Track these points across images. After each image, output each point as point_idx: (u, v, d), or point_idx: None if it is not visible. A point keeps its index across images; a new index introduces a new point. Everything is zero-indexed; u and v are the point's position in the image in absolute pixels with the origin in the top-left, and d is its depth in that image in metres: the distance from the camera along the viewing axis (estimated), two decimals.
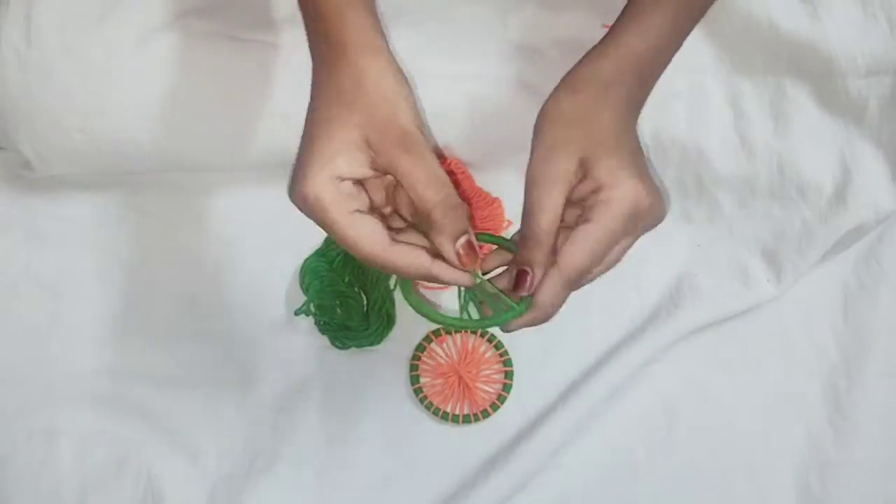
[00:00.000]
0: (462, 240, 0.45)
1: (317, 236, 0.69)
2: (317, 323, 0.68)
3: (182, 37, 0.64)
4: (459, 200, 0.45)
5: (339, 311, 0.68)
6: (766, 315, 0.68)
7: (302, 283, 0.69)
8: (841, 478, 0.65)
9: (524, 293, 0.47)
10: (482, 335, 0.68)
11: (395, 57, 0.48)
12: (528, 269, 0.47)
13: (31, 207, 0.71)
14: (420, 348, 0.68)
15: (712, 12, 0.58)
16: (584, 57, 0.52)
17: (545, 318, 0.50)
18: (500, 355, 0.68)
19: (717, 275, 0.68)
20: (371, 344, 0.68)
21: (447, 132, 0.66)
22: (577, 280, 0.48)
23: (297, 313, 0.68)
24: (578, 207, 0.49)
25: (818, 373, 0.67)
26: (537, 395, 0.67)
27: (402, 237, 0.47)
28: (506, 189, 0.70)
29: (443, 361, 0.68)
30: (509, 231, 0.70)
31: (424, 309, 0.50)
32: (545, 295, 0.47)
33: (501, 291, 0.48)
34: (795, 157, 0.67)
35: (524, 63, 0.66)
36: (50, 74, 0.63)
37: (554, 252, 0.47)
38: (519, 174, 0.69)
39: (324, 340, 0.69)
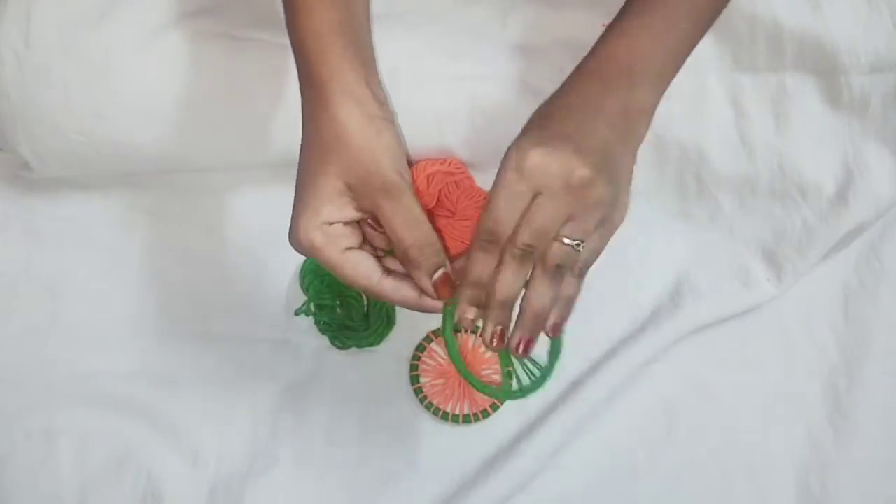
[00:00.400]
0: (437, 275, 0.48)
1: None
2: (317, 323, 0.68)
3: (182, 37, 0.64)
4: (434, 238, 0.48)
5: (339, 311, 0.68)
6: (766, 315, 0.68)
7: (302, 284, 0.69)
8: (841, 478, 0.65)
9: (502, 346, 0.50)
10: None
11: (380, 86, 0.50)
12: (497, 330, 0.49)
13: (31, 207, 0.71)
14: (420, 348, 0.68)
15: None
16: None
17: (493, 290, 0.49)
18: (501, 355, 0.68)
19: (717, 275, 0.68)
20: (371, 344, 0.68)
21: (447, 132, 0.66)
22: (495, 241, 0.47)
23: (297, 313, 0.68)
24: None
25: (818, 373, 0.67)
26: (537, 396, 0.67)
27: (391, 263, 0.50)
28: None
29: (443, 361, 0.68)
30: None
31: (471, 378, 0.54)
32: (472, 262, 0.48)
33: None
34: (796, 156, 0.67)
35: (524, 63, 0.66)
36: (49, 75, 0.63)
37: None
38: None
39: (324, 340, 0.69)
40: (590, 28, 0.66)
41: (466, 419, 0.66)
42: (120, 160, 0.66)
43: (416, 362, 0.67)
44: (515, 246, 0.47)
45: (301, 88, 0.51)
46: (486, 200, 0.48)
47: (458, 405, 0.67)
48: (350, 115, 0.47)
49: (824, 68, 0.66)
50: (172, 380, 0.67)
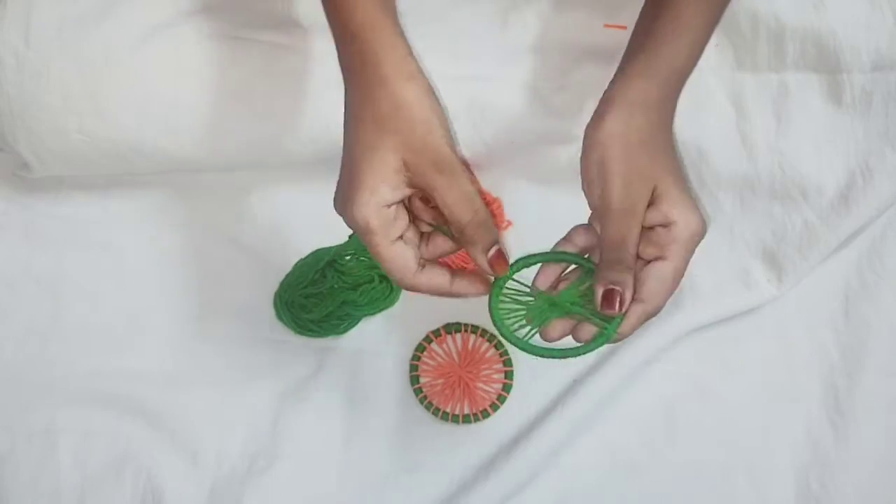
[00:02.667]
0: (492, 251, 0.48)
1: (317, 236, 0.69)
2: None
3: (182, 37, 0.64)
4: (488, 215, 0.48)
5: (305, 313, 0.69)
6: (766, 314, 0.68)
7: (277, 314, 0.69)
8: (841, 478, 0.65)
9: (615, 313, 0.49)
10: (482, 335, 0.68)
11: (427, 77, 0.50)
12: (618, 289, 0.49)
13: (31, 207, 0.71)
14: (420, 348, 0.68)
15: None
16: (622, 73, 0.52)
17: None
18: (501, 355, 0.68)
19: (718, 275, 0.68)
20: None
21: None
22: (655, 314, 0.50)
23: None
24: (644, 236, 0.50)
25: (818, 373, 0.67)
26: (537, 395, 0.67)
27: (428, 247, 0.50)
28: (506, 189, 0.70)
29: (443, 361, 0.68)
30: (509, 231, 0.70)
31: (513, 339, 0.52)
32: (628, 327, 0.50)
33: (595, 314, 0.50)
34: (797, 156, 0.67)
35: (524, 64, 0.66)
36: (49, 75, 0.62)
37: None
38: (519, 174, 0.70)
39: (324, 340, 0.69)
40: (590, 29, 0.66)
41: (466, 419, 0.66)
42: (120, 160, 0.66)
43: (416, 362, 0.67)
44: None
45: (347, 70, 0.50)
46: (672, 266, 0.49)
47: (458, 405, 0.67)
48: (408, 88, 0.47)
49: (826, 67, 0.66)
50: (172, 380, 0.67)
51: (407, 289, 0.49)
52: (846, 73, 0.65)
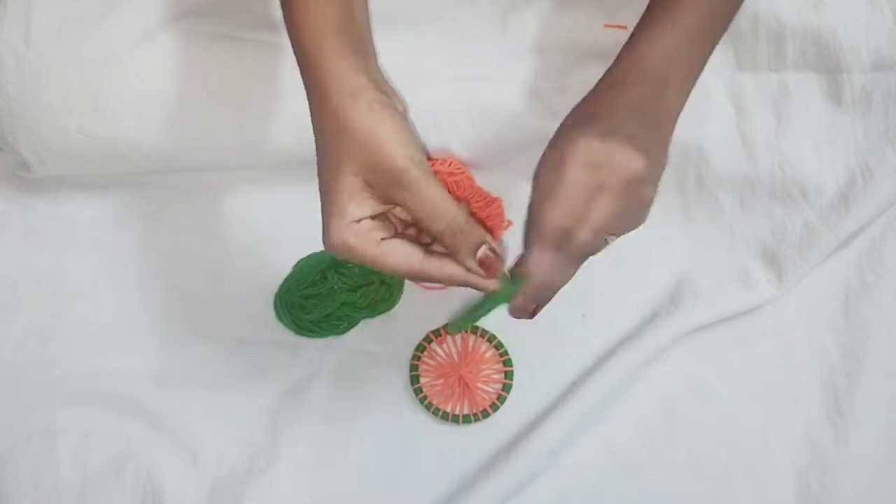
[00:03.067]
0: (479, 253, 0.47)
1: (315, 236, 0.68)
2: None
3: (181, 37, 0.64)
4: (463, 218, 0.47)
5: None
6: (766, 314, 0.68)
7: (277, 315, 0.69)
8: (841, 478, 0.65)
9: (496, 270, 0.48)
10: (482, 335, 0.68)
11: (381, 74, 0.50)
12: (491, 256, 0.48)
13: (31, 207, 0.71)
14: (420, 348, 0.68)
15: None
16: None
17: (547, 289, 0.50)
18: (501, 355, 0.68)
19: (717, 275, 0.68)
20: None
21: (447, 132, 0.66)
22: (563, 239, 0.48)
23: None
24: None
25: (818, 373, 0.67)
26: (537, 395, 0.67)
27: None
28: (506, 189, 0.69)
29: (443, 361, 0.68)
30: (510, 231, 0.70)
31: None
32: (532, 262, 0.48)
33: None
34: (797, 156, 0.67)
35: (524, 64, 0.66)
36: (48, 75, 0.62)
37: None
38: (519, 175, 0.69)
39: (324, 340, 0.69)
40: (590, 29, 0.66)
41: (466, 419, 0.66)
42: (119, 159, 0.66)
43: (416, 362, 0.67)
44: (578, 247, 0.47)
45: (306, 92, 0.50)
46: (548, 192, 0.47)
47: (458, 405, 0.67)
48: (349, 106, 0.47)
49: (826, 67, 0.66)
50: (172, 380, 0.67)
51: (416, 279, 0.48)
52: (846, 73, 0.65)
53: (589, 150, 0.47)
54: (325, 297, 0.67)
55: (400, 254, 0.47)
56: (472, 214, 0.48)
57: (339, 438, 0.66)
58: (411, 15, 0.66)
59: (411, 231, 0.51)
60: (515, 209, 0.70)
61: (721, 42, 0.66)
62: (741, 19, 0.66)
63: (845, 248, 0.68)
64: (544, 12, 0.67)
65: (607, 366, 0.66)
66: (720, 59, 0.67)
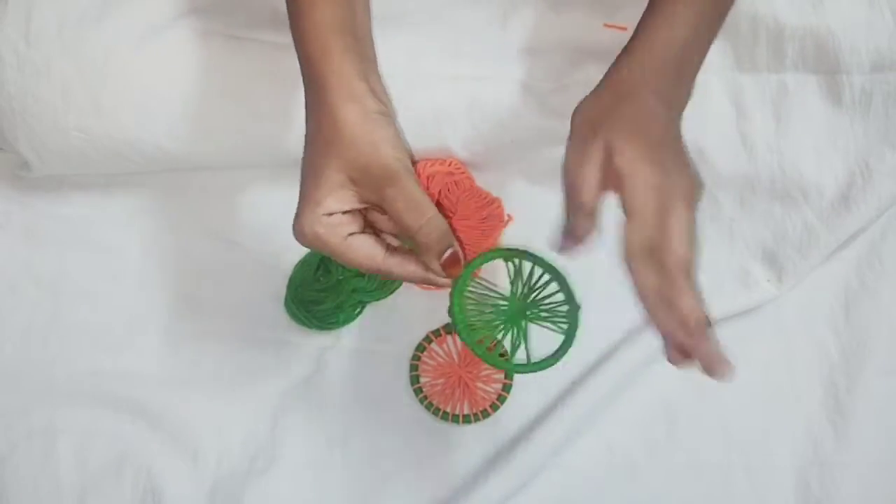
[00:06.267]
0: (446, 255, 0.50)
1: None
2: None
3: (182, 36, 0.64)
4: (439, 220, 0.49)
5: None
6: (766, 314, 0.68)
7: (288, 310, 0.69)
8: (841, 477, 0.65)
9: (572, 247, 0.50)
10: None
11: (380, 81, 0.52)
12: (579, 232, 0.50)
13: (31, 207, 0.71)
14: (420, 348, 0.68)
15: None
16: (617, 58, 0.54)
17: (685, 317, 0.49)
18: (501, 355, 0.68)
19: (717, 275, 0.68)
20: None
21: (447, 132, 0.66)
22: (687, 267, 0.49)
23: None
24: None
25: (818, 373, 0.67)
26: (537, 395, 0.67)
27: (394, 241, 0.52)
28: (506, 189, 0.69)
29: (443, 361, 0.68)
30: (510, 228, 0.70)
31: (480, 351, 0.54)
32: (686, 302, 0.49)
33: (557, 323, 0.53)
34: (797, 156, 0.67)
35: (524, 64, 0.66)
36: (49, 74, 0.63)
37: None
38: (519, 174, 0.70)
39: (324, 340, 0.69)
40: (590, 29, 0.66)
41: (466, 419, 0.66)
42: (119, 159, 0.66)
43: (416, 362, 0.67)
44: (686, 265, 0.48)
45: (304, 85, 0.52)
46: (641, 213, 0.48)
47: (458, 405, 0.67)
48: (348, 110, 0.49)
49: (825, 67, 0.66)
50: (172, 380, 0.67)
51: (377, 273, 0.50)
52: (845, 74, 0.65)
53: (666, 174, 0.49)
54: (335, 287, 0.67)
55: (364, 249, 0.50)
56: (449, 221, 0.51)
57: (338, 438, 0.66)
58: (411, 15, 0.67)
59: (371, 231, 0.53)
60: (515, 209, 0.70)
61: (721, 42, 0.67)
62: (741, 20, 0.66)
63: (845, 249, 0.68)
64: (544, 13, 0.67)
65: (607, 366, 0.66)
66: (720, 60, 0.67)
